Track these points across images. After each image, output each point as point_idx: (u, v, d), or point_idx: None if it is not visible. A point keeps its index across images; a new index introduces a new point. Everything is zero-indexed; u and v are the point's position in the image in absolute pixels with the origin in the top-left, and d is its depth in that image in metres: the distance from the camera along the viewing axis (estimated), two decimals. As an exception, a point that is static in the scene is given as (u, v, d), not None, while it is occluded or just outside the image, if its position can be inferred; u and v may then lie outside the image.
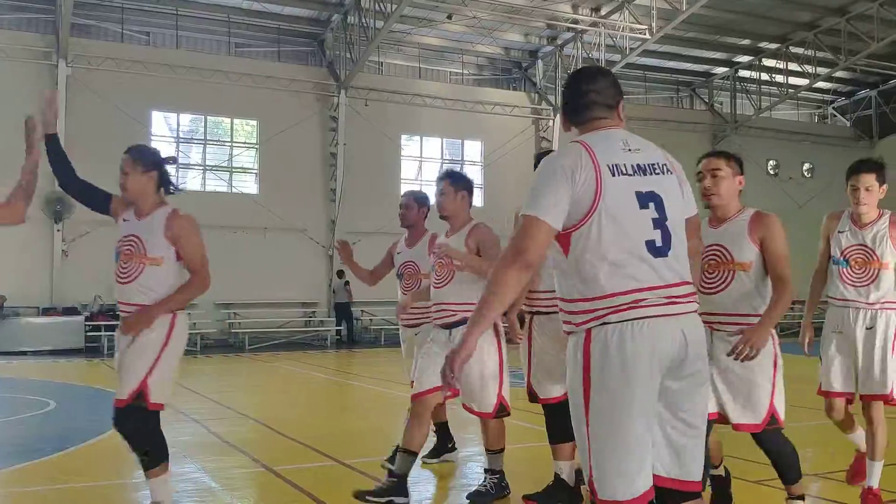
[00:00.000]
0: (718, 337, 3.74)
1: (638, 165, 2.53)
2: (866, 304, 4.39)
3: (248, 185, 20.93)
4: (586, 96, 2.65)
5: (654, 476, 2.40)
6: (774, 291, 3.69)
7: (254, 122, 20.85)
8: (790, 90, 25.13)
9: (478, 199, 19.82)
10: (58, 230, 17.99)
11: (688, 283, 2.51)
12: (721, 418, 3.75)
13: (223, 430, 7.28)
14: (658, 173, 2.56)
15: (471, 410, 4.73)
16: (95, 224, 14.82)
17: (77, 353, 16.45)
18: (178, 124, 20.42)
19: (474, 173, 21.64)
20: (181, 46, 20.23)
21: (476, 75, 24.00)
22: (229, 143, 20.96)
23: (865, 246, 4.40)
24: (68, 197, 19.79)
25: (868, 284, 4.40)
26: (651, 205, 2.48)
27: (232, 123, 21.00)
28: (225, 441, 6.77)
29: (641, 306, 2.38)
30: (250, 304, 19.43)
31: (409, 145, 22.69)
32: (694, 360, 2.45)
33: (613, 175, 2.46)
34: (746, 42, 23.69)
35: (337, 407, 10.04)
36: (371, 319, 20.64)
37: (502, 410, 4.67)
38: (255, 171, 20.84)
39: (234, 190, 20.52)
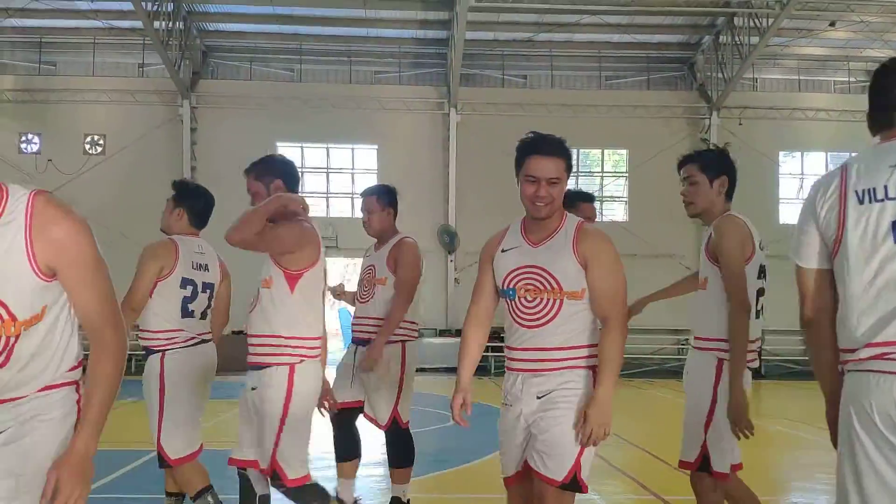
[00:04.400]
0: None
1: None
2: None
3: (616, 212, 21.40)
4: (888, 95, 2.16)
5: None
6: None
7: (623, 152, 21.31)
8: None
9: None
10: (451, 260, 20.12)
11: None
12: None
13: (609, 455, 7.52)
14: None
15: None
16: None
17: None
18: (553, 158, 21.67)
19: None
20: (555, 86, 21.44)
21: (865, 82, 21.86)
22: (599, 174, 21.68)
23: None
24: (457, 230, 21.56)
25: None
26: None
27: (602, 154, 21.70)
28: (613, 466, 7.07)
29: (889, 358, 2.02)
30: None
31: (787, 162, 21.42)
32: None
33: (861, 202, 2.07)
34: None
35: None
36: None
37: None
38: (625, 199, 21.26)
39: (603, 219, 21.12)
